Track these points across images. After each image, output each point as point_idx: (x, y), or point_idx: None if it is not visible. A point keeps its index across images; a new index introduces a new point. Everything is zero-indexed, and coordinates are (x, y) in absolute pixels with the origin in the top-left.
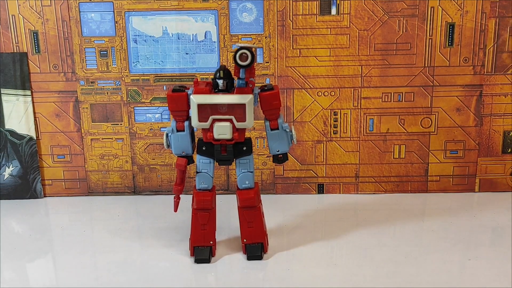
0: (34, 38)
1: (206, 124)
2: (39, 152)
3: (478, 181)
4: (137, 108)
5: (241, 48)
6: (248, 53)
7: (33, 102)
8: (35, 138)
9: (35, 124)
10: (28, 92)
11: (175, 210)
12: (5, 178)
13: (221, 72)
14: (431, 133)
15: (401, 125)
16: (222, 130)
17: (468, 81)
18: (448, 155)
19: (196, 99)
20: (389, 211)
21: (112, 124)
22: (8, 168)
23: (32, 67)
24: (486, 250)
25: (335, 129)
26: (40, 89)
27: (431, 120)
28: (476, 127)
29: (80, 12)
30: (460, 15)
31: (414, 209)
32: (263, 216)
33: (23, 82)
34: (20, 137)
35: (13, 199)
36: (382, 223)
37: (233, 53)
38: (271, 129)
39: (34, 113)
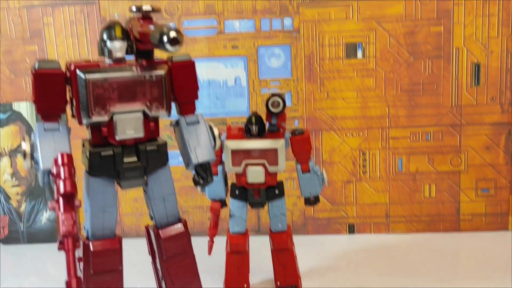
0: None
1: (239, 169)
2: None
3: (511, 219)
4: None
5: (273, 95)
6: (280, 100)
7: None
8: None
9: None
10: None
11: (209, 253)
12: (42, 223)
13: (254, 118)
14: (461, 171)
15: (430, 164)
16: (255, 175)
17: (496, 120)
18: (480, 194)
19: (230, 145)
20: (421, 251)
21: None
22: (46, 213)
23: None
24: None
25: (364, 169)
26: None
27: (460, 159)
28: (506, 164)
29: None
30: (485, 55)
31: (447, 248)
32: (296, 258)
33: None
34: None
35: (50, 242)
36: (415, 264)
37: (265, 100)
38: (303, 172)
39: None
